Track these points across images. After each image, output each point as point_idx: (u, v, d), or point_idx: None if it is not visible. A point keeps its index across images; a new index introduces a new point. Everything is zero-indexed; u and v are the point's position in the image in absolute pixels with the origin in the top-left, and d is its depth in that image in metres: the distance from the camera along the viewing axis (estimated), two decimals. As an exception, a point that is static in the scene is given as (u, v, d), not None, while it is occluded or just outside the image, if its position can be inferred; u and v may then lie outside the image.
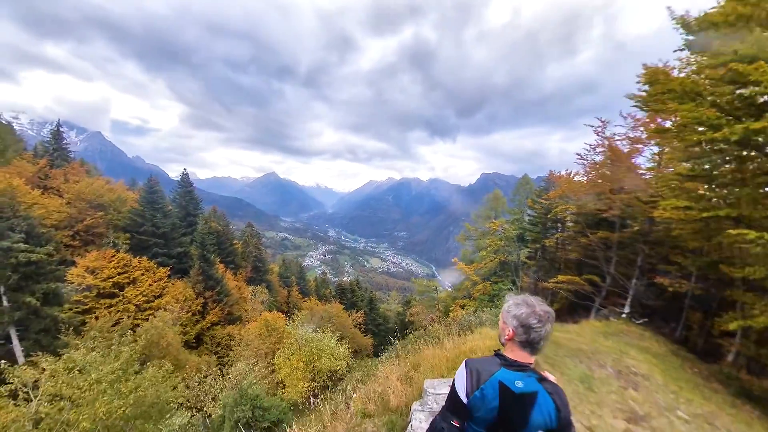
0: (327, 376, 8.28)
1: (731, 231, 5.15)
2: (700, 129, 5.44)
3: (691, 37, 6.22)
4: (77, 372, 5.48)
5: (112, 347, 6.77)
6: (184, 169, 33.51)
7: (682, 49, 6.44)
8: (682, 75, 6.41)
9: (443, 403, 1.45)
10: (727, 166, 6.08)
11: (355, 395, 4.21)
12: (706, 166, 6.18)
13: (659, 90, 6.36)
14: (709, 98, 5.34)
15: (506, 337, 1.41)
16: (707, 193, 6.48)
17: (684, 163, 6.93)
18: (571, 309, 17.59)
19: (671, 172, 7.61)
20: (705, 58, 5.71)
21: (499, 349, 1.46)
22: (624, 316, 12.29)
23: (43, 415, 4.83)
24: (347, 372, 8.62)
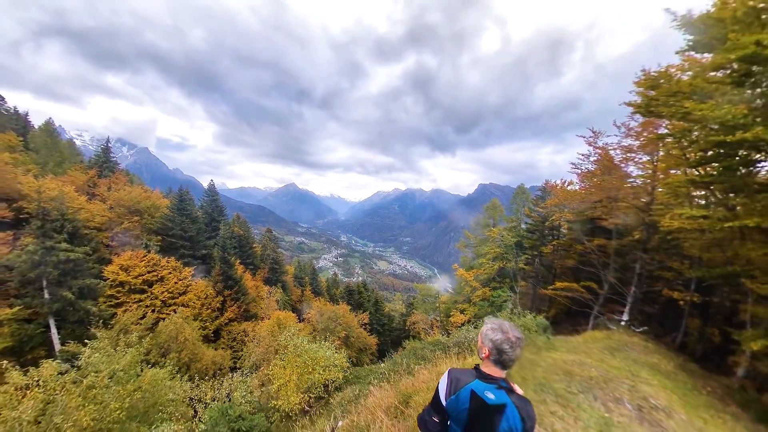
0: (322, 387, 7.47)
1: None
2: (714, 129, 4.64)
3: (693, 37, 5.48)
4: (74, 373, 5.02)
5: (117, 348, 6.29)
6: (211, 180, 33.97)
7: (684, 51, 5.69)
8: (686, 77, 5.64)
9: None
10: (742, 170, 5.17)
11: (341, 423, 3.52)
12: (716, 172, 5.28)
13: (665, 92, 5.59)
14: (726, 97, 4.57)
15: (483, 355, 1.50)
16: (728, 199, 5.51)
17: (693, 170, 6.01)
18: (569, 315, 16.26)
19: (679, 178, 6.62)
20: (714, 55, 4.96)
21: (478, 364, 1.54)
22: (623, 323, 11.12)
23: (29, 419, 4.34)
24: (344, 383, 7.78)
